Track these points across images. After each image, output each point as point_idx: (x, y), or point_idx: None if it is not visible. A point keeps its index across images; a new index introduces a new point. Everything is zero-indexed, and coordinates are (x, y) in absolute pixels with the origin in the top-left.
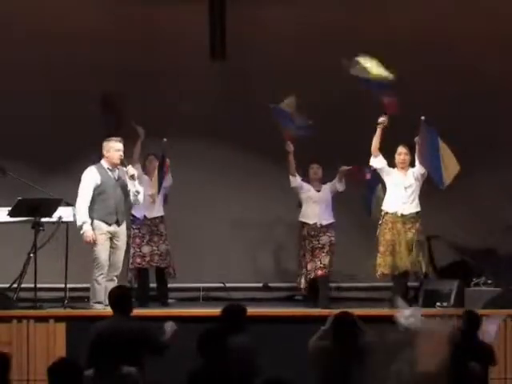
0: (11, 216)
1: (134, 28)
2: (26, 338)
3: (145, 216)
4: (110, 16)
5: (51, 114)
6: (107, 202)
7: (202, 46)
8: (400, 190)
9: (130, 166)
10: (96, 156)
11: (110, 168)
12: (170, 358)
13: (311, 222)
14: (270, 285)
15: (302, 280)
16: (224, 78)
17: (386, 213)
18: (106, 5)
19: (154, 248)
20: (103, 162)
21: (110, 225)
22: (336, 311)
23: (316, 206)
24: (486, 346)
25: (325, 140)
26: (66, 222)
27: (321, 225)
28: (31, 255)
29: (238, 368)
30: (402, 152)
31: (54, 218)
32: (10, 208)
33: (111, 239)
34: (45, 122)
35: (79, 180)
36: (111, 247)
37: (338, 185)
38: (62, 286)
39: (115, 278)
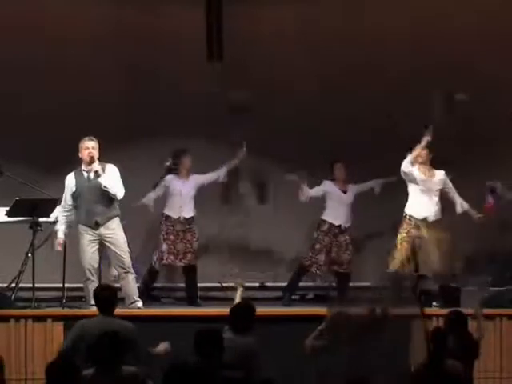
0: (9, 216)
1: (130, 28)
2: (24, 338)
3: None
4: (106, 17)
5: (49, 114)
6: (83, 204)
7: (199, 46)
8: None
9: (95, 163)
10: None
11: (86, 169)
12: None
13: (336, 223)
14: (266, 284)
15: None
16: (221, 79)
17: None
18: (103, 6)
19: (188, 246)
20: (82, 164)
21: (91, 228)
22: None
23: (341, 207)
24: (471, 342)
25: (328, 139)
26: None
27: (345, 227)
28: (29, 255)
29: (241, 369)
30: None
31: (52, 217)
32: (7, 208)
33: (101, 242)
34: (43, 122)
35: None
36: (108, 251)
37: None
38: (60, 285)
39: (127, 275)
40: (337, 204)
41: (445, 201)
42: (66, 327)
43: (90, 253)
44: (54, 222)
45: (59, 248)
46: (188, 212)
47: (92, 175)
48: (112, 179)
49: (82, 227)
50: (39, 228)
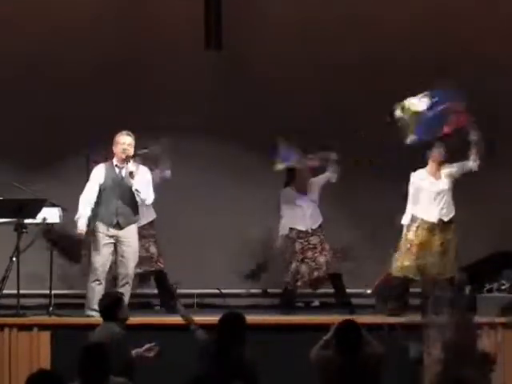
0: None
1: (126, 16)
2: (8, 348)
3: None
4: (102, 5)
5: (37, 112)
6: (107, 201)
7: (197, 34)
8: None
9: (130, 163)
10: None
11: (119, 165)
12: (162, 367)
13: (303, 229)
14: (268, 291)
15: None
16: (219, 68)
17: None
18: None
19: (143, 251)
20: (115, 158)
21: (110, 228)
22: (339, 319)
23: (301, 210)
24: (484, 353)
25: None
26: (51, 224)
27: (312, 228)
28: (14, 259)
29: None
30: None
31: (38, 219)
32: None
33: (116, 245)
34: (30, 121)
35: (65, 180)
36: (118, 254)
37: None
38: (47, 291)
39: (124, 286)
40: (298, 209)
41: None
42: (54, 336)
43: (105, 254)
44: (41, 224)
45: (81, 234)
46: (145, 217)
47: (124, 173)
48: (143, 183)
49: (100, 225)
50: (25, 230)
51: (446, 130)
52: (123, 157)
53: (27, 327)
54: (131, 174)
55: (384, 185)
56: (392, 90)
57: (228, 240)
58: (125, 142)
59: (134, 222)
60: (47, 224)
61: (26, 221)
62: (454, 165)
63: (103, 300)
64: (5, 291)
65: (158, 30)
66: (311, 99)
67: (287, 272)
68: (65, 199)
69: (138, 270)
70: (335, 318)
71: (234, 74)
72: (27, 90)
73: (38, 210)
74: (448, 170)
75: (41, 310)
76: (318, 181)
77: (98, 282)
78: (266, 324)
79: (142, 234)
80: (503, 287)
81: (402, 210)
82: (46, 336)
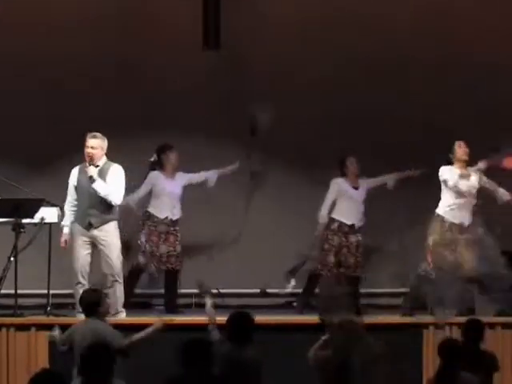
0: None
1: (126, 17)
2: (6, 348)
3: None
4: (101, 4)
5: (35, 112)
6: (80, 203)
7: (195, 33)
8: None
9: (91, 166)
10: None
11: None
12: (159, 368)
13: (348, 223)
14: (267, 291)
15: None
16: (217, 68)
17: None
18: None
19: (171, 249)
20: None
21: (84, 229)
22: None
23: (353, 205)
24: (488, 354)
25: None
26: (49, 224)
27: (358, 227)
28: (11, 259)
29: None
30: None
31: (36, 219)
32: None
33: (94, 245)
34: (28, 120)
35: (63, 179)
36: (100, 255)
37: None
38: (45, 291)
39: (114, 284)
40: (347, 202)
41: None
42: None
43: (82, 255)
44: (39, 224)
45: (63, 245)
46: (175, 213)
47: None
48: (111, 183)
49: (76, 227)
50: (22, 230)
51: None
52: (87, 159)
53: (25, 327)
54: (91, 179)
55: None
56: (393, 90)
57: (227, 239)
58: (88, 144)
59: (111, 220)
60: (45, 224)
61: (24, 220)
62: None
63: (83, 297)
64: (2, 291)
65: (157, 30)
66: (311, 98)
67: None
68: (63, 199)
69: (163, 268)
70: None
71: (232, 74)
72: (26, 90)
73: (36, 210)
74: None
75: (39, 310)
76: (372, 181)
77: (80, 285)
78: (265, 324)
79: (170, 231)
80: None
81: None
82: (43, 336)
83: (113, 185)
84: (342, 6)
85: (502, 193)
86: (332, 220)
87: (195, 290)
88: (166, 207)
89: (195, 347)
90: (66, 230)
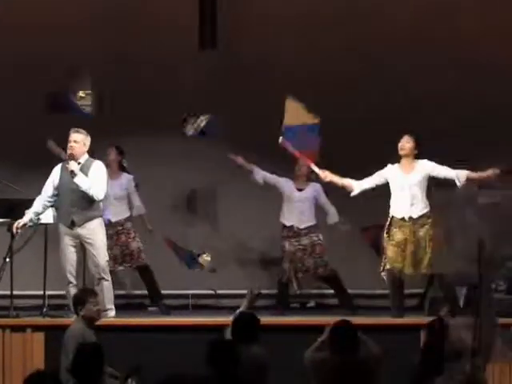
0: None
1: (124, 16)
2: (2, 349)
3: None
4: (96, 3)
5: (28, 110)
6: (62, 201)
7: (191, 32)
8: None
9: (72, 161)
10: None
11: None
12: (156, 368)
13: (287, 224)
14: (262, 292)
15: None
16: (214, 68)
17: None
18: None
19: (123, 248)
20: None
21: (68, 227)
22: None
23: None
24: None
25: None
26: (45, 224)
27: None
28: (7, 260)
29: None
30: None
31: None
32: None
33: (81, 244)
34: (21, 119)
35: None
36: (85, 252)
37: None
38: (41, 292)
39: (100, 282)
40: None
41: None
42: (47, 338)
43: (69, 254)
44: (34, 225)
45: (15, 230)
46: (115, 215)
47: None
48: (93, 178)
49: (61, 227)
50: (18, 231)
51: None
52: (68, 154)
53: (21, 328)
54: (72, 173)
55: None
56: (393, 87)
57: (221, 240)
58: (70, 139)
59: (94, 218)
60: (41, 224)
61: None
62: (437, 166)
63: (73, 296)
64: None
65: (155, 29)
66: (310, 98)
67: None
68: None
69: (121, 268)
70: (331, 319)
71: (230, 73)
72: (22, 90)
73: None
74: (427, 167)
75: (34, 311)
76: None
77: (71, 285)
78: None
79: (121, 230)
80: (500, 288)
81: None
82: (39, 337)
83: (95, 179)
84: (342, 4)
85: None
86: (283, 227)
87: (191, 291)
88: (110, 210)
89: (220, 348)
90: (25, 217)
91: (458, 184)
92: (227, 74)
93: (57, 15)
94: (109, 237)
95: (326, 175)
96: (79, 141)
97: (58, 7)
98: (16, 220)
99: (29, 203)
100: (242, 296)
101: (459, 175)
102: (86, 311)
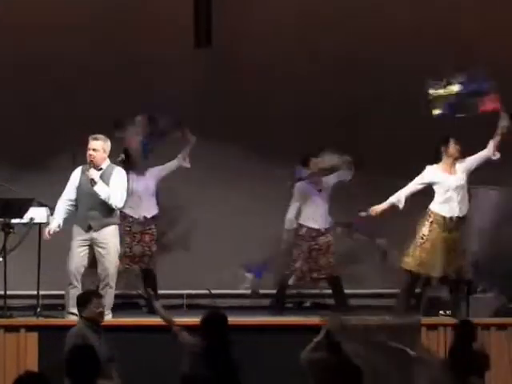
0: None
1: (114, 12)
2: None
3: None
4: (96, 3)
5: (24, 110)
6: (80, 205)
7: (186, 30)
8: None
9: (92, 169)
10: None
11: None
12: (153, 368)
13: (314, 227)
14: (259, 291)
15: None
16: (209, 66)
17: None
18: None
19: (146, 248)
20: None
21: (84, 231)
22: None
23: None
24: (481, 354)
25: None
26: (39, 224)
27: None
28: (1, 259)
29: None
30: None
31: (26, 219)
32: None
33: (92, 247)
34: (17, 118)
35: (53, 179)
36: (95, 256)
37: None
38: (35, 292)
39: (105, 288)
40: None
41: None
42: (41, 338)
43: (78, 256)
44: (28, 224)
45: (47, 236)
46: (150, 211)
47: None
48: (113, 186)
49: (75, 228)
50: (11, 230)
51: (483, 109)
52: (88, 161)
53: (14, 328)
54: (92, 181)
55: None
56: (393, 86)
57: (218, 240)
58: (90, 147)
59: (110, 224)
60: (34, 224)
61: (13, 220)
62: (469, 159)
63: (77, 296)
64: None
65: (153, 29)
66: (309, 97)
67: (288, 267)
68: (53, 199)
69: (135, 267)
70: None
71: (228, 72)
72: (22, 90)
73: (26, 210)
74: (464, 165)
75: (28, 311)
76: (331, 180)
77: (71, 286)
78: (256, 325)
79: (147, 230)
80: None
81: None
82: (33, 337)
83: (115, 188)
84: (340, 1)
85: (489, 152)
86: (299, 226)
87: (186, 291)
88: (137, 206)
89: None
90: (54, 224)
91: (492, 158)
92: (223, 72)
93: (57, 15)
94: (132, 234)
95: (375, 210)
96: (99, 148)
97: (58, 7)
98: (10, 219)
99: (22, 203)
100: (238, 296)
101: (489, 148)
102: (89, 312)
